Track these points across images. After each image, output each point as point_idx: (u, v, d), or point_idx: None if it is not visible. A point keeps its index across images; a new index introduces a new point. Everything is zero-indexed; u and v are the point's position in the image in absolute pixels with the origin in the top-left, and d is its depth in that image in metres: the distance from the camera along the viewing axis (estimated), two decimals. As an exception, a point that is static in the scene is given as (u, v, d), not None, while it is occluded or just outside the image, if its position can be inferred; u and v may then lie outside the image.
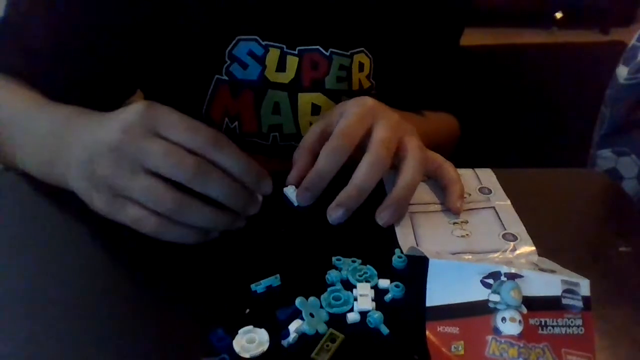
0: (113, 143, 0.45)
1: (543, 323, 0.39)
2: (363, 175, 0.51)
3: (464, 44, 0.84)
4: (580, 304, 0.40)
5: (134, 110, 0.46)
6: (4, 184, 0.58)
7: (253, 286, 0.44)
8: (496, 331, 0.39)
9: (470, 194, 0.56)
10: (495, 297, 0.40)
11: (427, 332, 0.40)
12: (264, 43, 0.66)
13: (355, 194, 0.50)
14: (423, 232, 0.51)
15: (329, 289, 0.44)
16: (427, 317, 0.41)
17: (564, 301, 0.40)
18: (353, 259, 0.47)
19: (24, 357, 0.39)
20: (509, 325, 0.39)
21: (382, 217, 0.51)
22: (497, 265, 0.42)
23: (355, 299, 0.43)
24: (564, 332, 0.39)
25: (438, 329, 0.40)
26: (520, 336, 0.39)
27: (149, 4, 0.64)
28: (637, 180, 0.77)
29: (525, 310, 0.40)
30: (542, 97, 1.02)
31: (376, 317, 0.42)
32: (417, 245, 0.49)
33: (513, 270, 0.41)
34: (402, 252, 0.48)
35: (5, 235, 0.50)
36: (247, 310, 0.42)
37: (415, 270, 0.45)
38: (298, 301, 0.42)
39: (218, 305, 0.43)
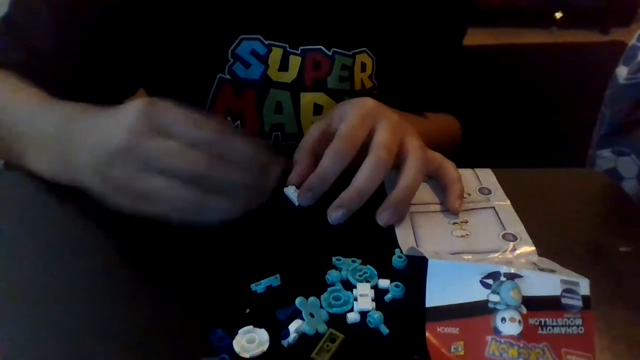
0: (120, 146, 0.45)
1: (543, 323, 0.39)
2: (364, 177, 0.51)
3: (464, 44, 0.84)
4: (580, 303, 0.40)
5: (135, 110, 0.46)
6: (4, 184, 0.58)
7: (253, 286, 0.44)
8: (496, 331, 0.39)
9: (470, 194, 0.56)
10: (494, 297, 0.40)
11: (427, 333, 0.40)
12: (266, 42, 0.66)
13: (356, 196, 0.50)
14: (423, 232, 0.51)
15: (329, 289, 0.44)
16: (426, 318, 0.41)
17: (564, 301, 0.40)
18: (353, 259, 0.47)
19: (24, 357, 0.39)
20: (509, 325, 0.39)
21: (383, 217, 0.51)
22: (497, 266, 0.42)
23: (355, 299, 0.43)
24: (563, 331, 0.39)
25: (438, 330, 0.40)
26: (520, 336, 0.39)
27: (152, 2, 0.64)
28: (637, 180, 0.77)
29: (525, 310, 0.40)
30: (542, 97, 1.02)
31: (376, 317, 0.42)
32: (417, 245, 0.49)
33: (512, 271, 0.41)
34: (402, 252, 0.48)
35: (5, 235, 0.50)
36: (247, 310, 0.42)
37: (415, 270, 0.45)
38: (298, 301, 0.42)
39: (218, 305, 0.43)
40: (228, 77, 0.68)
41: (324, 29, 0.68)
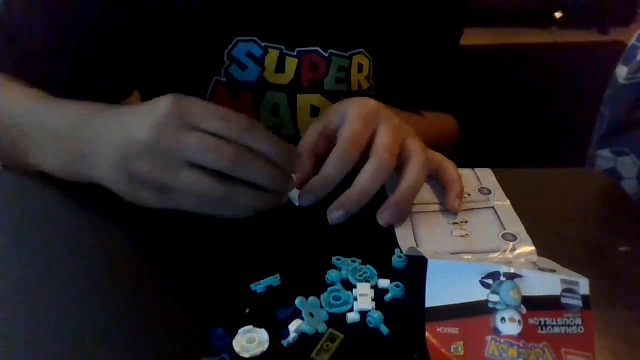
0: (149, 141, 0.46)
1: (543, 323, 0.39)
2: (367, 180, 0.51)
3: (464, 44, 0.84)
4: (579, 303, 0.40)
5: (164, 105, 0.47)
6: (4, 184, 0.58)
7: (253, 286, 0.44)
8: (496, 331, 0.39)
9: (470, 194, 0.56)
10: (494, 298, 0.40)
11: (427, 334, 0.40)
12: (263, 44, 0.66)
13: (357, 197, 0.50)
14: (423, 232, 0.51)
15: (329, 289, 0.44)
16: (426, 318, 0.41)
17: (564, 301, 0.40)
18: (353, 259, 0.47)
19: (24, 357, 0.39)
20: (509, 325, 0.39)
21: (384, 217, 0.51)
22: (496, 266, 0.42)
23: (355, 299, 0.43)
24: (563, 331, 0.39)
25: (438, 330, 0.40)
26: (520, 336, 0.39)
27: (147, 4, 0.63)
28: (637, 180, 0.77)
29: (524, 310, 0.40)
30: (541, 97, 1.02)
31: (376, 317, 0.42)
32: (417, 245, 0.49)
33: (512, 271, 0.41)
34: (402, 252, 0.48)
35: (5, 235, 0.50)
36: (247, 310, 0.42)
37: (415, 270, 0.45)
38: (298, 301, 0.42)
39: (218, 305, 0.43)
40: (224, 79, 0.67)
41: (321, 31, 0.68)
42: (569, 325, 0.40)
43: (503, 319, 0.39)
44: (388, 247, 0.49)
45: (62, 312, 0.42)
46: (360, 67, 0.71)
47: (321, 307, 0.42)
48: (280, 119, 0.70)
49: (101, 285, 0.46)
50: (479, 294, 0.41)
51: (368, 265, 0.46)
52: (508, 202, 0.56)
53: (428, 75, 0.79)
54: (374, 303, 0.43)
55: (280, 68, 0.68)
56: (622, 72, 0.80)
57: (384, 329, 0.41)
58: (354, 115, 0.53)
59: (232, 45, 0.66)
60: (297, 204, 0.54)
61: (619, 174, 0.79)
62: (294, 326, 0.40)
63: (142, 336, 0.41)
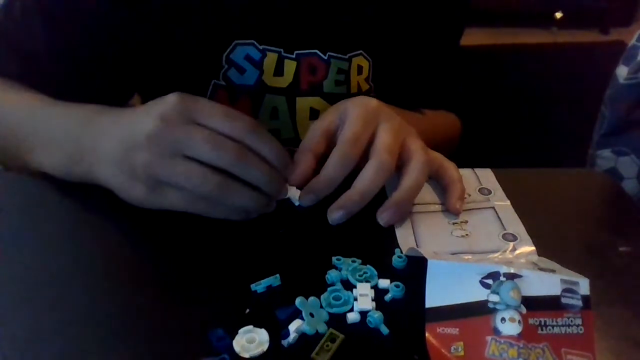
0: (152, 132, 0.46)
1: (543, 323, 0.39)
2: (367, 180, 0.50)
3: (464, 44, 0.84)
4: (579, 303, 0.40)
5: (170, 101, 0.47)
6: (4, 184, 0.58)
7: (253, 286, 0.44)
8: (496, 331, 0.39)
9: (470, 194, 0.56)
10: (494, 298, 0.40)
11: (427, 334, 0.40)
12: (261, 47, 0.66)
13: (357, 198, 0.50)
14: (423, 232, 0.51)
15: (329, 289, 0.44)
16: (426, 319, 0.41)
17: (564, 300, 0.40)
18: (353, 259, 0.47)
19: (24, 357, 0.39)
20: (509, 325, 0.39)
21: (384, 217, 0.51)
22: (496, 266, 0.42)
23: (355, 299, 0.43)
24: (563, 331, 0.39)
25: (438, 330, 0.40)
26: (520, 336, 0.39)
27: (145, 8, 0.63)
28: (637, 180, 0.77)
29: (524, 310, 0.40)
30: (542, 97, 1.02)
31: (376, 317, 0.42)
32: (417, 245, 0.49)
33: (512, 270, 0.41)
34: (402, 252, 0.48)
35: (5, 235, 0.50)
36: (247, 310, 0.42)
37: (415, 270, 0.45)
38: (298, 301, 0.42)
39: (218, 305, 0.43)
40: (223, 83, 0.67)
41: (319, 33, 0.68)
42: (569, 325, 0.40)
43: (503, 319, 0.39)
44: (388, 247, 0.49)
45: (61, 312, 0.42)
46: (360, 69, 0.71)
47: (321, 307, 0.42)
48: (279, 122, 0.70)
49: (101, 285, 0.46)
50: (478, 294, 0.41)
51: (368, 265, 0.46)
52: (508, 202, 0.56)
53: (428, 76, 0.79)
54: (374, 303, 0.43)
55: (278, 71, 0.67)
56: (622, 72, 0.80)
57: (384, 329, 0.41)
58: (354, 115, 0.53)
59: (230, 48, 0.66)
60: (297, 204, 0.54)
61: (619, 174, 0.79)
62: (294, 326, 0.40)
63: (142, 336, 0.41)
